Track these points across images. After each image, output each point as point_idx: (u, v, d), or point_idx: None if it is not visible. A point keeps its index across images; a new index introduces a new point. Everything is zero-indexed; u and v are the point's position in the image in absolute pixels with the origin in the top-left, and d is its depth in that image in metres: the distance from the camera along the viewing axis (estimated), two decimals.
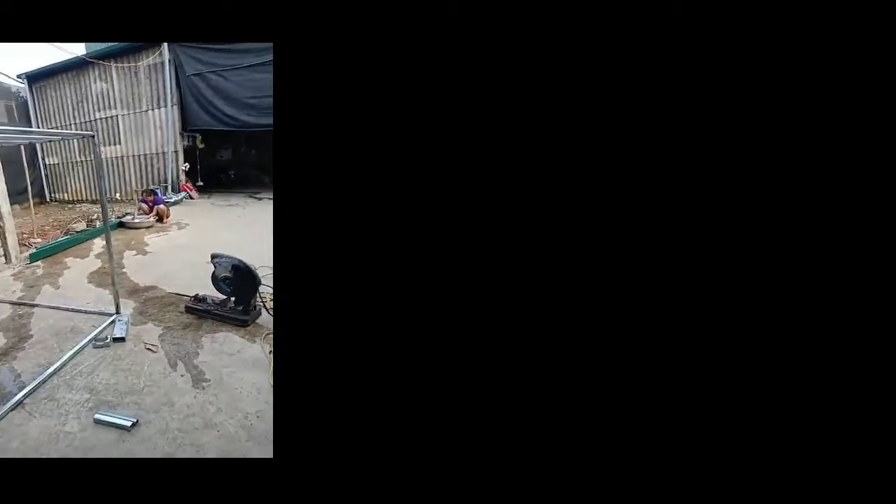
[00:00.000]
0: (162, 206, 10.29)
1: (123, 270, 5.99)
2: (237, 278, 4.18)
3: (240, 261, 4.21)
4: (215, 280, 4.32)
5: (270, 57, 11.99)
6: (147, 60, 13.41)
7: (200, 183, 14.86)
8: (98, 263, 6.48)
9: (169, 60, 13.13)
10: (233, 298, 4.26)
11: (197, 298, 4.43)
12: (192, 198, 13.76)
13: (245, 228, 9.28)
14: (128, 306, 4.55)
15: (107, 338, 3.84)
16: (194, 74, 13.14)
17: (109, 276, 5.35)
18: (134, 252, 7.20)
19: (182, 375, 3.25)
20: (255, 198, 13.72)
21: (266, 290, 4.31)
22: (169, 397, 2.97)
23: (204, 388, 3.07)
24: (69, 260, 6.79)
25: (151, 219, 9.81)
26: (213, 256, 4.35)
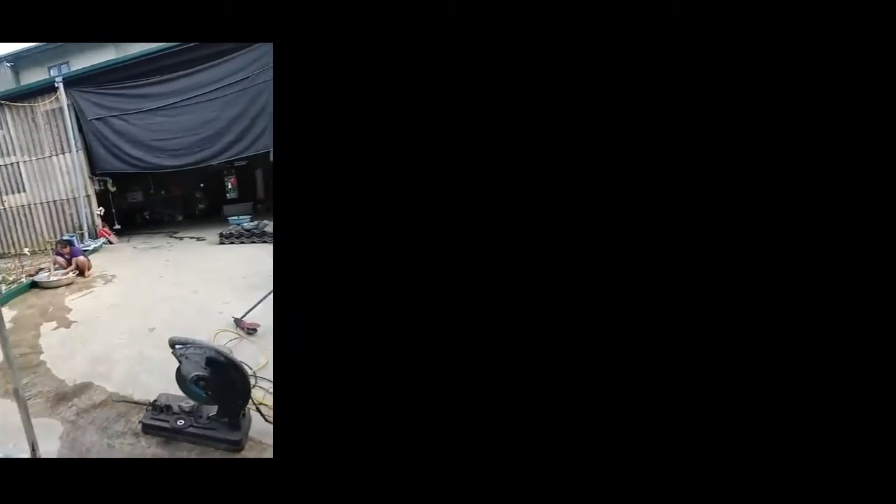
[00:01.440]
0: (81, 257, 8.10)
1: (41, 358, 4.11)
2: (216, 378, 2.57)
3: (216, 350, 2.60)
4: (183, 382, 2.68)
5: (170, 101, 11.21)
6: (44, 105, 11.59)
7: (118, 226, 12.99)
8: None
9: (68, 105, 11.44)
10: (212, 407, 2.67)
11: (157, 407, 2.78)
12: (111, 243, 11.68)
13: (179, 275, 7.34)
14: (53, 434, 2.79)
15: None
16: (96, 119, 11.70)
17: (18, 370, 3.59)
18: (54, 324, 5.21)
19: None
20: (176, 237, 11.85)
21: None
22: None
23: None
24: None
25: (71, 274, 7.61)
26: (175, 344, 2.68)
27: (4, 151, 12.18)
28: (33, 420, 2.52)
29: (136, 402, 3.08)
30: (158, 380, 3.32)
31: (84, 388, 3.44)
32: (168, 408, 2.76)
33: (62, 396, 3.35)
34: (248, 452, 2.49)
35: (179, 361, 2.66)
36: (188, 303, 5.61)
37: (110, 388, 3.38)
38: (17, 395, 2.55)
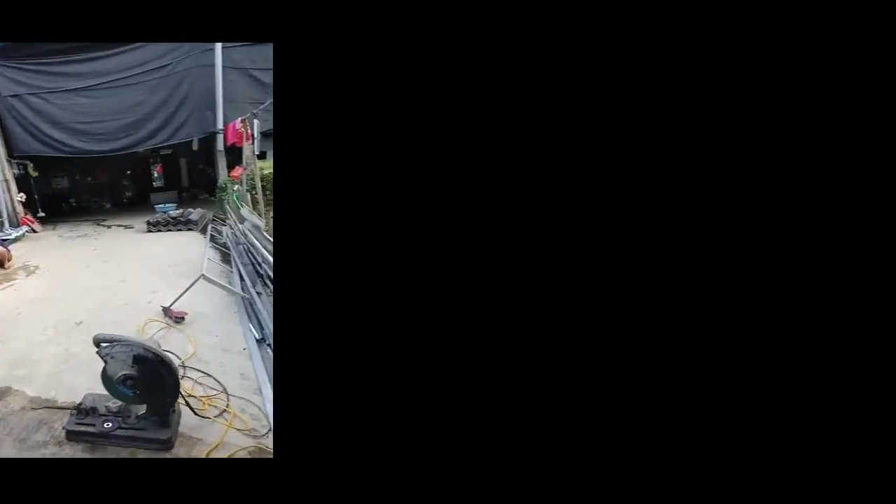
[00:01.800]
0: (0, 247, 7.59)
1: None
2: (145, 376, 2.41)
3: (143, 347, 2.44)
4: (109, 383, 2.49)
5: (92, 81, 10.63)
6: None
7: (42, 214, 11.89)
8: None
9: None
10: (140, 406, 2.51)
11: (82, 410, 2.59)
12: (35, 231, 10.72)
13: (107, 265, 6.88)
14: None
15: None
16: (11, 96, 10.55)
17: None
18: None
19: None
20: (104, 226, 11.12)
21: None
22: None
23: None
24: None
25: None
26: (100, 342, 2.50)
27: None
28: None
29: (60, 407, 2.86)
30: (86, 379, 3.10)
31: (1, 394, 3.17)
32: (94, 410, 2.58)
33: None
34: (178, 449, 2.37)
35: (105, 362, 2.48)
36: (116, 293, 5.31)
37: (31, 393, 3.13)
38: None
